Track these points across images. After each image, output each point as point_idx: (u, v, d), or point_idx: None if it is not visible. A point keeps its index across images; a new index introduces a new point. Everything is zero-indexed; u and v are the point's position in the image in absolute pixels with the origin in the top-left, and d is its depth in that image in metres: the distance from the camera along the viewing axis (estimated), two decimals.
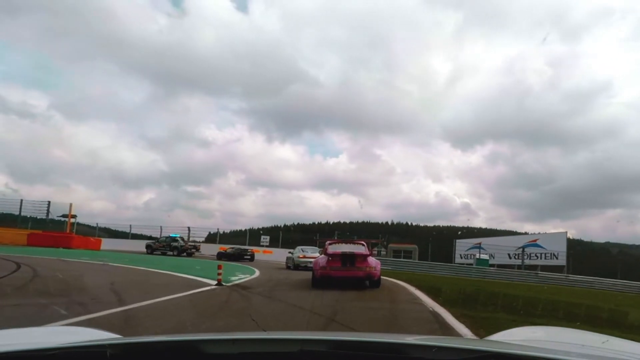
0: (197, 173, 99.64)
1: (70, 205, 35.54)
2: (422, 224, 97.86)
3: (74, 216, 36.07)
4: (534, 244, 39.96)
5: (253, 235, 41.79)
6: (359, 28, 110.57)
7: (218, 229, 39.54)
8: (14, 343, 1.27)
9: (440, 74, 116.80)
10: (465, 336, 5.40)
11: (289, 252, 22.35)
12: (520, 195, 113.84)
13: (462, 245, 50.38)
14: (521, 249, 33.24)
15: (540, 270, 33.53)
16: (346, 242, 12.54)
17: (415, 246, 37.31)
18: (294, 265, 20.11)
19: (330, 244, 11.98)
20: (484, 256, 36.89)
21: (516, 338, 1.89)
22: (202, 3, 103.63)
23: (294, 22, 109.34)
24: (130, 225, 42.93)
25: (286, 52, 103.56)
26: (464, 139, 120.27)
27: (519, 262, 41.44)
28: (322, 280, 10.62)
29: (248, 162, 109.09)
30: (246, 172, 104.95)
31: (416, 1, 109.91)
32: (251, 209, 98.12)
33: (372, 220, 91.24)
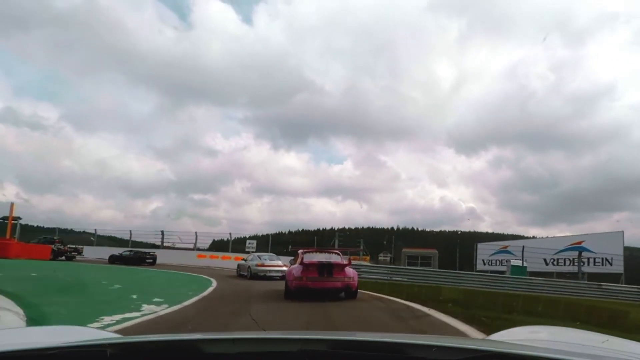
0: (204, 181, 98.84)
1: (12, 205, 29.01)
2: (428, 229, 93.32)
3: (17, 219, 29.54)
4: (578, 247, 32.97)
5: (244, 242, 35.34)
6: (363, 36, 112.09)
7: (196, 233, 32.93)
8: (14, 343, 1.25)
9: (444, 79, 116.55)
10: None
11: (243, 259, 19.78)
12: (525, 199, 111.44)
13: (484, 250, 43.41)
14: (578, 253, 25.94)
15: (589, 279, 26.65)
16: (321, 252, 11.74)
17: (436, 251, 30.47)
18: (250, 275, 17.53)
19: (304, 252, 11.08)
20: (519, 262, 29.83)
21: (516, 338, 1.85)
22: (208, 16, 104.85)
23: (299, 33, 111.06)
24: (96, 230, 36.62)
25: (291, 62, 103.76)
26: (468, 144, 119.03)
27: (558, 269, 34.42)
28: (296, 292, 9.86)
29: (254, 170, 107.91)
30: (252, 179, 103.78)
31: (420, 8, 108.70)
32: (257, 216, 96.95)
33: (377, 226, 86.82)
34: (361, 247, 28.44)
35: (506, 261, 33.00)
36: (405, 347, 1.20)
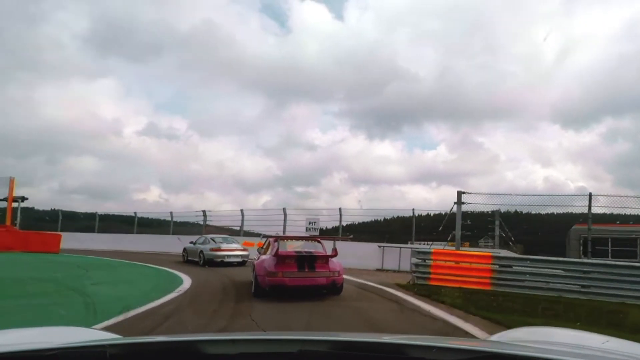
0: (305, 175, 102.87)
1: (11, 180, 22.50)
2: (533, 212, 76.10)
3: (19, 199, 23.14)
4: None
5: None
6: (455, 15, 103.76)
7: (242, 211, 23.72)
8: (14, 343, 1.25)
9: (547, 49, 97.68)
10: None
11: (190, 242, 17.20)
12: None
13: None
14: None
15: None
16: (296, 239, 9.89)
17: None
18: (204, 260, 15.55)
19: (276, 240, 9.13)
20: None
21: (516, 338, 1.86)
22: (303, 19, 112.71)
23: (388, 22, 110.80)
24: (136, 213, 29.62)
25: (384, 52, 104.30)
26: (576, 117, 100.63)
27: None
28: (270, 290, 8.09)
29: (350, 161, 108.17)
30: (349, 170, 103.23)
31: None
32: (354, 206, 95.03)
33: (476, 210, 72.83)
34: (498, 225, 16.56)
35: None
36: (405, 348, 1.20)
